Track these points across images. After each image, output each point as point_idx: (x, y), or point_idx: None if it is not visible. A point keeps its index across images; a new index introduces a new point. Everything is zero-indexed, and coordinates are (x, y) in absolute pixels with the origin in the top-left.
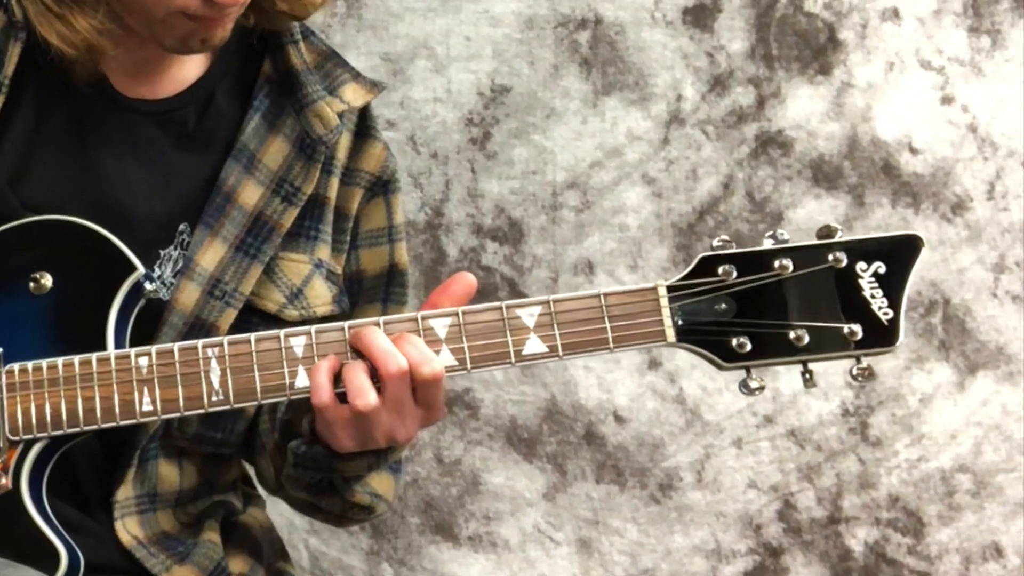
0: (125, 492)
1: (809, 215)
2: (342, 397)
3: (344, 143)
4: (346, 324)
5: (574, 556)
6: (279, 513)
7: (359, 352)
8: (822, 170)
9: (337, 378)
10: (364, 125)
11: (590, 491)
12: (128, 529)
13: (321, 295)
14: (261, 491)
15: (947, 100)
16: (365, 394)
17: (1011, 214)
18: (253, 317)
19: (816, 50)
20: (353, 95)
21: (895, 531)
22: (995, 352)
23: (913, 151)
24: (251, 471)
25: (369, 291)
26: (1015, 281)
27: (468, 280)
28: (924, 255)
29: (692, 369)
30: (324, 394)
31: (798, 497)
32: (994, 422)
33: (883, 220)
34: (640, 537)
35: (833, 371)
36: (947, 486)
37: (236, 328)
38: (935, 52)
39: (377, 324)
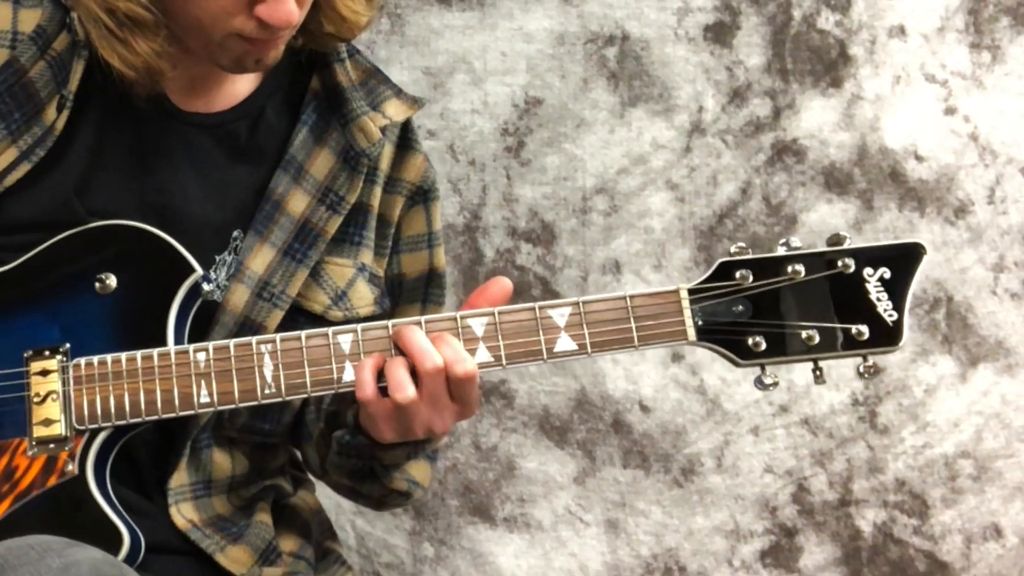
0: (179, 479)
1: (821, 218)
2: (384, 391)
3: (387, 154)
4: (390, 323)
5: (602, 536)
6: (327, 496)
7: (400, 350)
8: (833, 176)
9: (380, 374)
10: (406, 138)
11: (617, 475)
12: (183, 513)
13: (364, 297)
14: (310, 474)
15: (950, 111)
16: (404, 388)
17: (1010, 217)
18: (300, 317)
19: (828, 65)
20: (395, 110)
21: (902, 513)
22: (995, 346)
23: (918, 159)
24: (299, 456)
25: (409, 292)
26: (1013, 280)
27: (504, 283)
28: (928, 258)
29: (712, 362)
30: (368, 389)
31: (811, 481)
32: (994, 411)
33: (890, 223)
34: (664, 518)
35: (844, 364)
36: (950, 471)
37: (283, 328)
38: (939, 66)
39: (419, 323)
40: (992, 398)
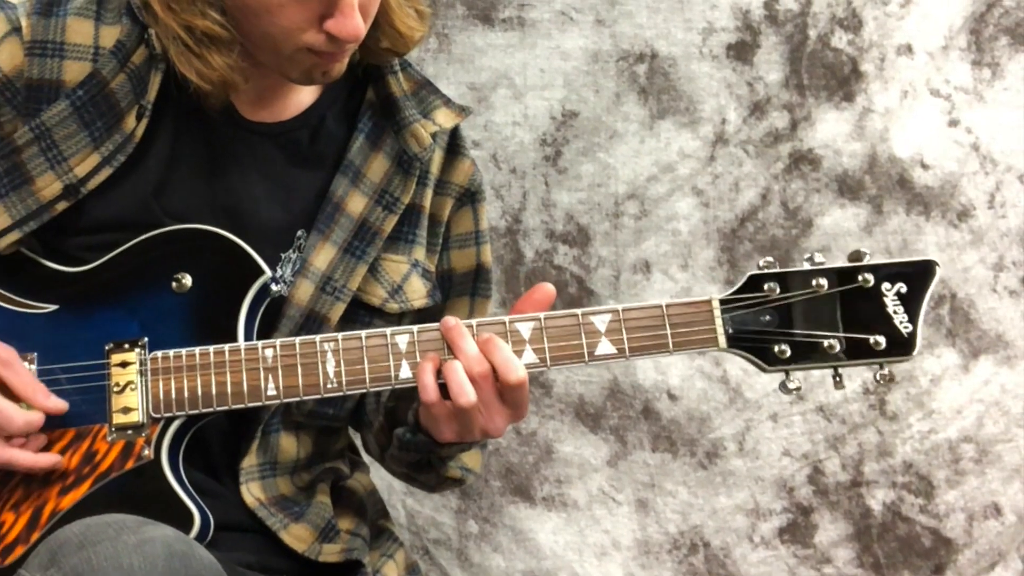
0: (249, 461)
1: (835, 222)
2: (443, 389)
3: (437, 159)
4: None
5: (633, 515)
6: (380, 477)
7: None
8: (846, 183)
9: (438, 373)
10: (454, 144)
11: (647, 459)
12: (252, 492)
13: (418, 290)
14: (365, 458)
15: (953, 123)
16: (466, 393)
17: (1009, 221)
18: (360, 310)
19: (841, 80)
20: (444, 118)
21: (909, 493)
22: (995, 339)
23: (924, 167)
24: (357, 440)
25: (459, 286)
26: (1012, 278)
27: (548, 289)
28: (939, 272)
29: (734, 356)
30: (432, 394)
31: (825, 464)
32: (994, 399)
33: (899, 226)
34: (690, 498)
35: (860, 370)
36: (953, 454)
37: (344, 319)
38: (943, 82)
39: (470, 327)
40: (992, 387)
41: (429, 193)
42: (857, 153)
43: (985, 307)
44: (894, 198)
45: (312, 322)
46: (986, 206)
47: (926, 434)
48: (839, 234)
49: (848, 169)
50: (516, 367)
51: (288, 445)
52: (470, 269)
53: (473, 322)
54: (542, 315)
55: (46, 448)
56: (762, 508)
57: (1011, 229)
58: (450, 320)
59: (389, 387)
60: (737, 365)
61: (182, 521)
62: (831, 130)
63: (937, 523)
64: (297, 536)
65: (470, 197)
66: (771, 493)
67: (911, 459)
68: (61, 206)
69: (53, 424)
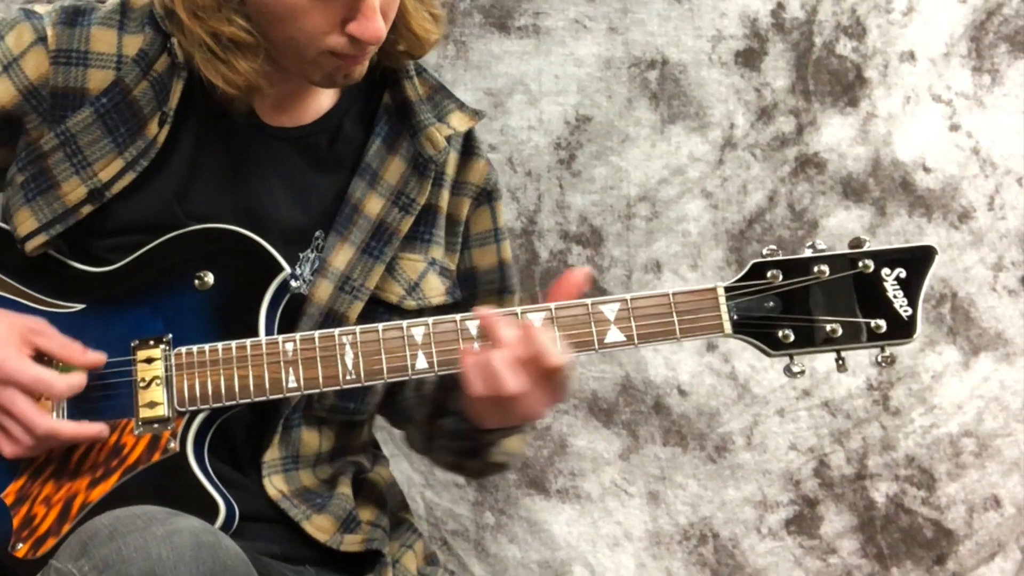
0: (272, 454)
1: (840, 223)
2: (489, 383)
3: (452, 161)
4: (458, 316)
5: (644, 506)
6: (400, 471)
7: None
8: (851, 186)
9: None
10: (469, 146)
11: (658, 452)
12: (275, 485)
13: (435, 288)
14: (384, 451)
15: (954, 128)
16: (509, 381)
17: (1008, 222)
18: (379, 307)
19: (846, 86)
20: (458, 122)
21: (911, 485)
22: (994, 337)
23: (926, 170)
24: (392, 432)
25: (484, 283)
26: (1011, 278)
27: (582, 272)
28: (938, 259)
29: (743, 351)
30: (478, 387)
31: (831, 457)
32: (993, 395)
33: (901, 227)
34: (699, 490)
35: (862, 353)
36: (954, 448)
37: (363, 317)
38: (944, 88)
39: (499, 315)
40: (992, 383)
41: (446, 194)
42: (861, 157)
43: (985, 306)
44: (897, 200)
45: (331, 320)
46: (986, 208)
47: (928, 429)
48: (844, 235)
49: (852, 172)
50: (555, 352)
51: (310, 439)
52: (492, 266)
53: (479, 311)
54: (553, 305)
55: (74, 445)
56: (769, 500)
57: (1010, 230)
58: (485, 311)
59: (406, 377)
60: (745, 362)
61: (208, 512)
62: (836, 134)
63: (939, 515)
64: (319, 527)
65: (487, 196)
66: (778, 486)
67: (913, 453)
68: (86, 209)
69: (81, 418)
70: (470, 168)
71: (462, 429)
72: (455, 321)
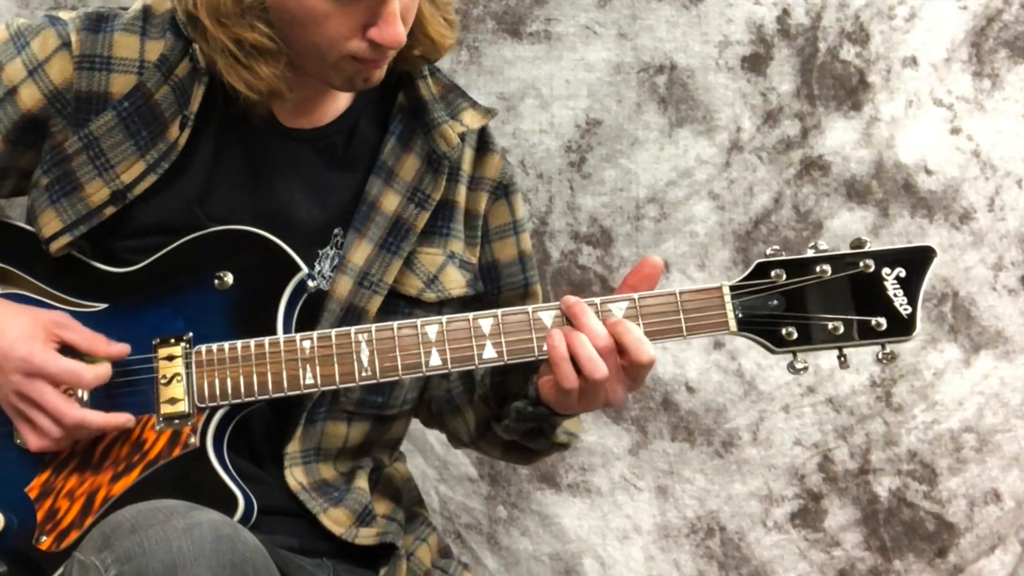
0: (294, 447)
1: (844, 224)
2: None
3: (468, 158)
4: (471, 315)
5: (653, 500)
6: (414, 466)
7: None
8: (854, 188)
9: None
10: (483, 142)
11: (666, 448)
12: (295, 476)
13: (455, 280)
14: (400, 447)
15: (955, 131)
16: (599, 367)
17: (1007, 223)
18: (399, 301)
19: (849, 90)
20: (471, 119)
21: (913, 480)
22: (994, 335)
23: (928, 172)
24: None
25: (508, 276)
26: (1011, 278)
27: (656, 262)
28: (936, 259)
29: (749, 349)
30: (573, 380)
31: (835, 452)
32: (994, 391)
33: (904, 228)
34: (707, 485)
35: (864, 351)
36: (955, 444)
37: (384, 311)
38: (946, 92)
39: (525, 312)
40: (992, 380)
41: (463, 189)
42: (864, 159)
43: (985, 305)
44: (899, 202)
45: (351, 315)
46: (986, 209)
47: (930, 424)
48: (847, 236)
49: (856, 174)
50: (647, 348)
51: (336, 432)
52: (513, 258)
53: (498, 312)
54: (560, 302)
55: (100, 438)
56: (775, 494)
57: (1010, 231)
58: (570, 298)
59: (420, 374)
60: (751, 359)
61: (227, 505)
62: (840, 138)
63: (940, 508)
64: (336, 520)
65: (503, 190)
66: (783, 480)
67: (915, 448)
68: (109, 211)
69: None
70: (485, 164)
71: (537, 412)
72: (467, 319)
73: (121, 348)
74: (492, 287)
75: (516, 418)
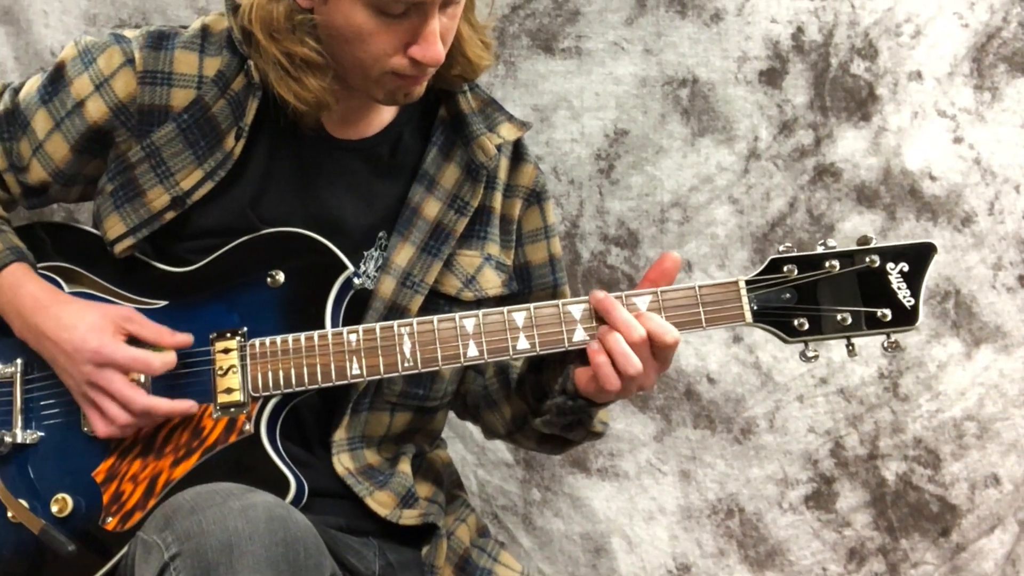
0: (340, 434)
1: (854, 227)
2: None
3: (504, 167)
4: (505, 309)
5: (677, 484)
6: (454, 451)
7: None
8: (864, 193)
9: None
10: (518, 152)
11: (689, 435)
12: (342, 462)
13: (491, 280)
14: (445, 434)
15: (958, 140)
16: (632, 363)
17: (1006, 226)
18: (439, 300)
19: (859, 102)
20: (507, 132)
21: (919, 465)
22: (994, 330)
23: (932, 178)
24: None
25: (538, 277)
26: (1009, 277)
27: (675, 257)
28: (939, 258)
29: (766, 343)
30: (615, 381)
31: (845, 439)
32: (993, 382)
33: (910, 230)
34: (727, 469)
35: (872, 345)
36: (958, 431)
37: (426, 309)
38: (949, 104)
39: (553, 305)
40: (992, 372)
41: (499, 196)
42: (873, 166)
43: (986, 302)
44: (906, 206)
45: (394, 312)
46: (986, 213)
47: (934, 413)
48: (856, 237)
49: (865, 181)
50: (670, 330)
51: (379, 421)
52: (544, 260)
53: (531, 306)
54: (589, 297)
55: (161, 426)
56: (790, 478)
57: (1008, 233)
58: (598, 293)
59: (459, 365)
60: (768, 352)
61: (280, 488)
62: (850, 146)
63: (944, 491)
64: (381, 502)
65: (536, 197)
66: (798, 465)
67: (920, 435)
68: (169, 215)
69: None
70: (520, 172)
71: (576, 406)
72: (502, 313)
73: (185, 338)
74: (524, 287)
75: (557, 412)
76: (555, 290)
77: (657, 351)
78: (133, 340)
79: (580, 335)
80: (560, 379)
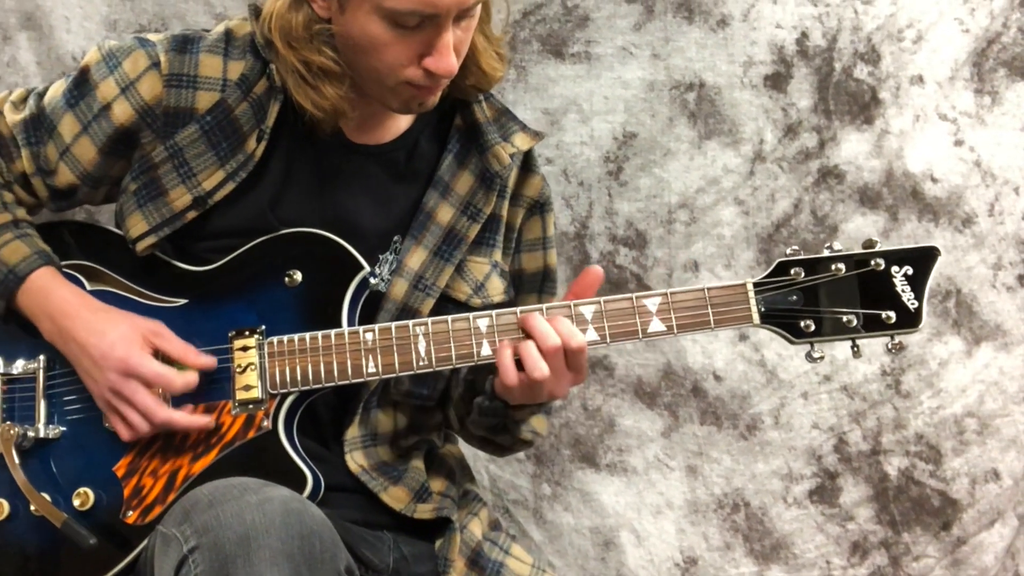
0: (352, 432)
1: (857, 228)
2: (519, 368)
3: (513, 175)
4: (518, 309)
5: (684, 479)
6: (466, 447)
7: (527, 333)
8: (867, 195)
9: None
10: (528, 163)
11: (696, 431)
12: (355, 460)
13: (497, 287)
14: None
15: (959, 143)
16: (540, 368)
17: (1006, 226)
18: (448, 304)
19: (862, 106)
20: (521, 141)
21: (920, 460)
22: (994, 328)
23: (934, 180)
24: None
25: (528, 284)
26: (1009, 276)
27: (596, 271)
28: (941, 259)
29: (771, 341)
30: (512, 376)
31: (849, 435)
32: (993, 380)
33: (912, 231)
34: (733, 464)
35: (875, 344)
36: (958, 427)
37: (434, 313)
38: (950, 107)
39: (540, 310)
40: (992, 370)
41: (506, 204)
42: (876, 169)
43: (986, 301)
44: (908, 207)
45: (406, 314)
46: (986, 214)
47: (935, 410)
48: (860, 238)
49: (868, 182)
50: (577, 335)
51: (386, 420)
52: (538, 270)
53: (543, 306)
54: (602, 299)
55: None
56: (794, 473)
57: (1008, 234)
58: (524, 310)
59: (472, 363)
60: (773, 350)
61: (297, 483)
62: (854, 149)
63: (945, 486)
64: (395, 497)
65: (539, 208)
66: (802, 460)
67: (922, 431)
68: (191, 215)
69: (185, 401)
70: (527, 183)
71: (493, 407)
72: (515, 313)
73: (209, 360)
74: (514, 293)
75: (479, 412)
76: (540, 296)
77: (568, 356)
78: (158, 354)
79: (592, 335)
80: (487, 379)
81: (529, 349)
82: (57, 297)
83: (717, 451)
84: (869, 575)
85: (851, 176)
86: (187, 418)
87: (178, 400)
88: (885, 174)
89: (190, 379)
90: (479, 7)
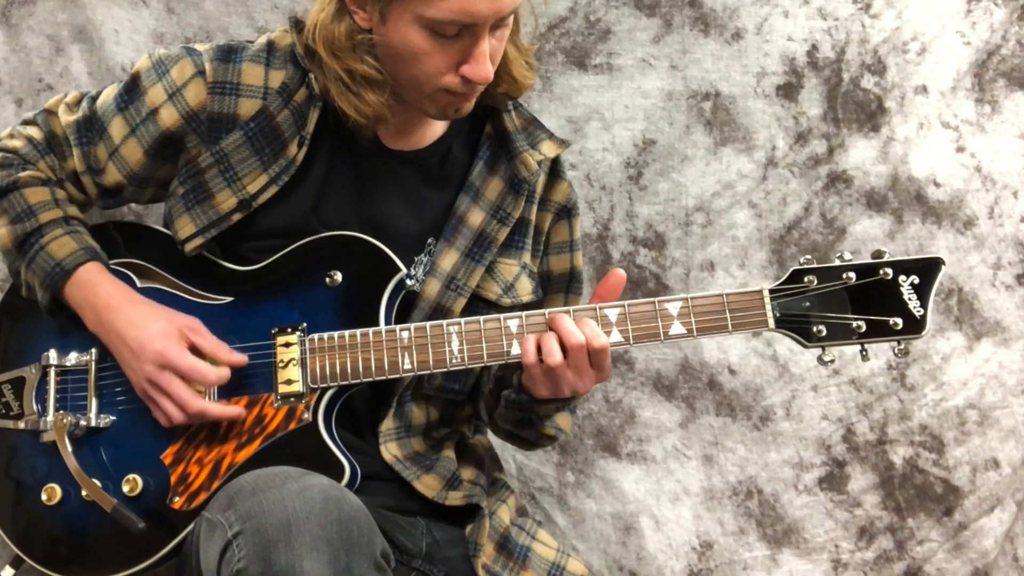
0: (387, 425)
1: (864, 230)
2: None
3: (541, 181)
4: (546, 311)
5: (700, 467)
6: (495, 438)
7: (554, 330)
8: (873, 198)
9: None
10: (555, 169)
11: (712, 422)
12: (390, 450)
13: (526, 288)
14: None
15: (960, 149)
16: (555, 355)
17: (1005, 228)
18: (479, 303)
19: (869, 114)
20: (548, 149)
21: (924, 450)
22: (994, 325)
23: (937, 185)
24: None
25: (555, 285)
26: (1008, 276)
27: (620, 274)
28: (945, 268)
29: (783, 338)
30: (531, 356)
31: (856, 426)
32: (993, 373)
33: (916, 233)
34: (746, 454)
35: (882, 345)
36: (960, 418)
37: (466, 312)
38: (952, 116)
39: (568, 312)
40: (992, 364)
41: (535, 209)
42: (882, 174)
43: (986, 299)
44: (912, 210)
45: (439, 313)
46: (987, 217)
47: (938, 402)
48: (867, 239)
49: (875, 187)
50: (600, 336)
51: (419, 412)
52: (565, 271)
53: (571, 308)
54: (626, 303)
55: None
56: (805, 462)
57: (1007, 235)
58: (552, 312)
59: (503, 361)
60: (785, 346)
61: (335, 472)
62: (861, 155)
63: (947, 474)
64: (427, 485)
65: (566, 212)
66: (812, 450)
67: (926, 422)
68: (236, 217)
69: (230, 394)
70: (555, 188)
71: (519, 400)
72: (543, 314)
73: (240, 358)
74: (542, 293)
75: (505, 405)
76: (567, 296)
77: (591, 354)
78: (194, 349)
79: (616, 336)
80: (515, 375)
81: (548, 337)
82: (102, 291)
83: (732, 441)
84: (876, 558)
85: (858, 181)
86: (220, 408)
87: (222, 392)
88: (891, 179)
89: (223, 374)
90: (512, 17)
